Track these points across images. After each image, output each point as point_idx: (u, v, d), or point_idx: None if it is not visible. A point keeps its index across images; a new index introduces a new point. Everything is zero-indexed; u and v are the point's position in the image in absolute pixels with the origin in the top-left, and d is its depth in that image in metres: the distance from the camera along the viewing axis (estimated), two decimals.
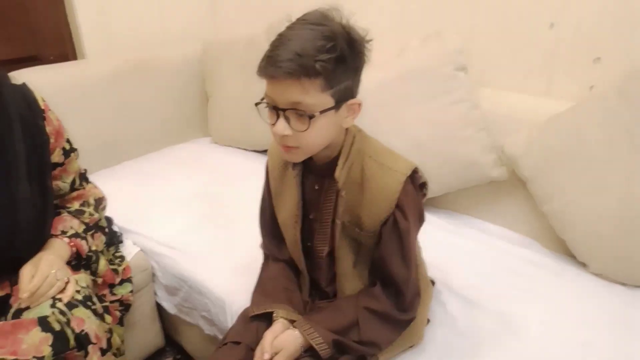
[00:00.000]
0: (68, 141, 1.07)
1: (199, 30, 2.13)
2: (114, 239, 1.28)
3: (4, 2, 1.67)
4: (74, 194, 1.12)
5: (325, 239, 0.89)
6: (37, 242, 1.00)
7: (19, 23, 1.72)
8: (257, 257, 1.05)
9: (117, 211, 1.39)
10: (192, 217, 1.44)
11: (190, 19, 2.12)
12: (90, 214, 1.12)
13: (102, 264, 1.13)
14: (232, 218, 1.41)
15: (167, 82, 1.93)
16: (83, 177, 1.14)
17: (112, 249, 1.26)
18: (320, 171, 0.86)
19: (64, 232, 1.04)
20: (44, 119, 0.99)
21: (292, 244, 0.93)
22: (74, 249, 1.03)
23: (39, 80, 1.46)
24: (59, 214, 1.08)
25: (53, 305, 0.89)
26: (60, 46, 1.85)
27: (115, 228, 1.35)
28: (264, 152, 1.82)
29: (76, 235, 1.05)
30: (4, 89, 0.94)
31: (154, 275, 1.35)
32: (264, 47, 1.84)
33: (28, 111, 0.97)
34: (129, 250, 1.30)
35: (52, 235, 1.02)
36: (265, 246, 1.03)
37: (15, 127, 0.93)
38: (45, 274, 0.91)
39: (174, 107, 1.97)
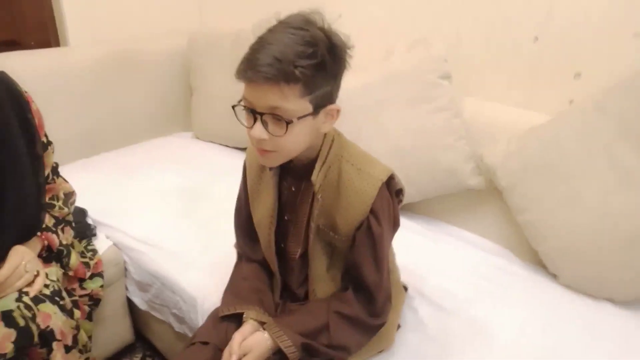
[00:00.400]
0: (45, 134, 1.05)
1: (184, 23, 2.10)
2: (87, 232, 1.26)
3: None
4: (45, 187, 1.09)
5: (299, 240, 0.89)
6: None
7: (3, 7, 1.68)
8: (231, 256, 1.04)
9: (92, 203, 1.37)
10: (168, 213, 1.42)
11: (176, 12, 2.10)
12: (60, 208, 1.10)
13: (74, 257, 1.11)
14: (210, 215, 1.40)
15: (151, 74, 1.91)
16: (55, 170, 1.12)
17: (84, 242, 1.24)
18: (297, 173, 0.86)
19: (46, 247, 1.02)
20: (30, 111, 0.98)
21: (266, 244, 0.93)
22: (45, 242, 1.02)
23: (17, 65, 1.44)
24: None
25: (19, 299, 0.87)
26: (42, 32, 1.82)
27: (89, 220, 1.33)
28: (246, 149, 1.82)
29: (47, 229, 1.03)
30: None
31: (126, 270, 1.34)
32: (250, 44, 1.83)
33: (17, 104, 0.96)
34: (101, 244, 1.29)
35: None
36: (239, 246, 1.02)
37: (12, 122, 0.93)
38: (15, 265, 0.89)
39: (156, 100, 1.95)
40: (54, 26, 1.83)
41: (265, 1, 1.90)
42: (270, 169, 0.88)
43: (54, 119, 1.22)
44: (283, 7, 1.71)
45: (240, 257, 1.02)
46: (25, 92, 1.00)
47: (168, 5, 2.07)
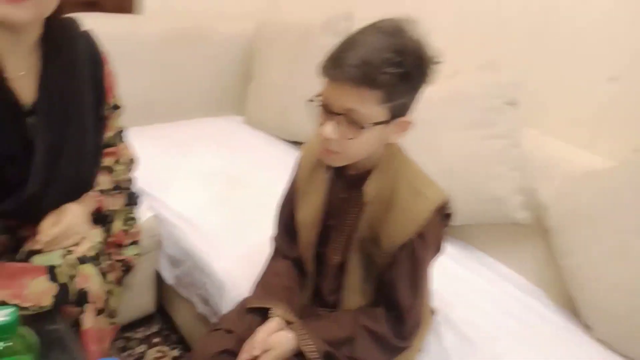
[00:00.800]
0: (115, 97, 1.07)
1: (254, 8, 2.11)
2: (131, 200, 1.29)
3: None
4: (109, 149, 1.11)
5: (339, 248, 0.88)
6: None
7: None
8: (265, 248, 1.04)
9: (138, 172, 1.40)
10: (210, 194, 1.44)
11: None
12: (120, 173, 1.12)
13: (118, 223, 1.13)
14: (250, 203, 1.41)
15: (214, 53, 1.94)
16: (119, 135, 1.14)
17: (126, 209, 1.26)
18: (350, 180, 0.85)
19: (99, 210, 1.04)
20: (102, 72, 1.00)
21: (305, 245, 0.93)
22: (98, 204, 1.04)
23: (92, 26, 1.48)
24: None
25: (64, 256, 0.90)
26: None
27: (133, 189, 1.36)
28: (295, 143, 1.84)
29: (103, 191, 1.05)
30: (79, 39, 0.95)
31: (160, 242, 1.36)
32: (317, 39, 1.83)
33: (93, 62, 0.98)
34: (142, 213, 1.31)
35: None
36: (276, 240, 1.03)
37: (85, 79, 0.95)
38: (68, 225, 0.91)
39: (213, 80, 1.98)
40: None
41: None
42: (326, 170, 0.87)
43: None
44: (355, 6, 1.72)
45: (276, 251, 1.02)
46: (104, 53, 1.02)
47: None
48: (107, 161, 1.10)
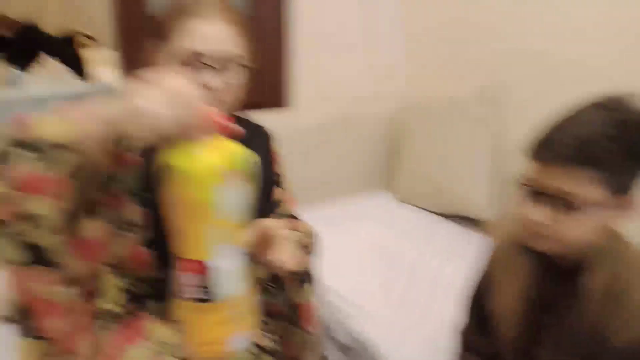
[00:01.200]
0: (281, 176, 1.10)
1: (395, 88, 2.17)
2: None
3: None
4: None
5: (551, 347, 0.76)
6: None
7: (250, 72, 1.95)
8: (444, 336, 0.96)
9: None
10: (373, 275, 1.41)
11: (389, 77, 2.18)
12: (304, 238, 1.09)
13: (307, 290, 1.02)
14: (417, 286, 1.35)
15: (360, 134, 2.01)
16: (291, 215, 1.10)
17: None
18: (562, 269, 0.75)
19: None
20: (270, 144, 1.07)
21: (507, 341, 0.82)
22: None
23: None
24: None
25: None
26: (274, 93, 2.05)
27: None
28: (451, 217, 1.77)
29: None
30: (251, 123, 1.04)
31: (326, 327, 1.34)
32: (469, 109, 1.76)
33: (261, 136, 1.06)
34: None
35: None
36: (466, 334, 0.93)
37: (257, 152, 1.00)
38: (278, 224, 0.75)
39: (361, 158, 2.03)
40: (284, 88, 2.06)
41: (486, 68, 1.86)
42: (530, 254, 0.78)
43: None
44: (504, 75, 1.67)
45: (465, 346, 0.93)
46: (270, 131, 1.09)
47: (381, 71, 2.16)
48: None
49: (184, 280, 0.53)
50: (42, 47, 5.77)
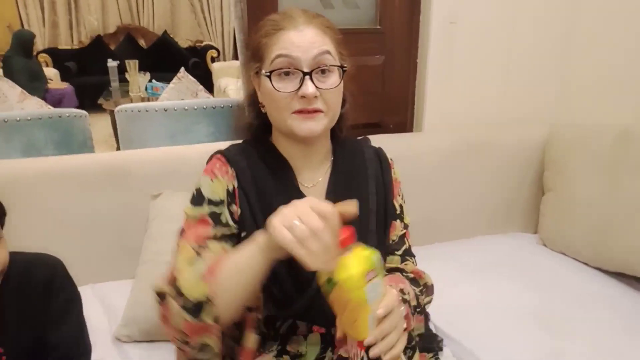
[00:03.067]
0: (401, 207, 1.02)
1: (543, 111, 1.89)
2: (433, 343, 1.13)
3: (369, 74, 1.80)
4: (408, 265, 1.00)
5: None
6: None
7: (375, 93, 1.83)
8: None
9: (433, 307, 1.25)
10: (527, 341, 1.17)
11: (533, 101, 1.91)
12: (420, 295, 0.98)
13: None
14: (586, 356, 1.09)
15: (499, 164, 1.76)
16: (408, 252, 1.02)
17: (429, 356, 1.10)
18: None
19: (402, 292, 0.88)
20: (390, 175, 1.01)
21: None
22: (406, 313, 0.85)
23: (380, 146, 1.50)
24: (393, 273, 0.98)
25: None
26: (401, 115, 1.90)
27: (431, 326, 1.20)
28: (615, 274, 1.45)
29: (408, 304, 0.88)
30: (366, 149, 1.01)
31: None
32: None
33: (380, 169, 1.00)
34: None
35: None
36: None
37: (370, 183, 0.97)
38: (392, 305, 0.72)
39: (499, 193, 1.77)
40: (412, 109, 1.90)
41: None
42: None
43: None
44: None
45: None
46: (391, 159, 1.04)
47: (526, 94, 1.90)
48: (409, 274, 0.99)
49: (353, 353, 0.70)
50: (174, 58, 6.28)
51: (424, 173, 1.69)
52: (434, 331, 1.19)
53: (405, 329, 0.76)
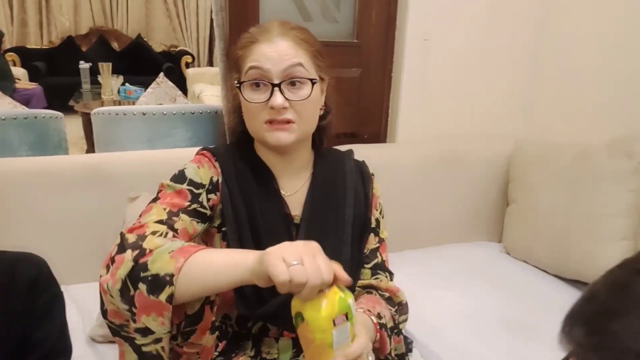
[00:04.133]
0: (377, 221, 1.04)
1: (510, 129, 2.00)
2: (405, 346, 1.18)
3: (347, 86, 1.86)
4: (381, 282, 1.01)
5: None
6: None
7: (351, 104, 1.89)
8: None
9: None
10: (492, 345, 1.23)
11: (500, 117, 2.02)
12: (394, 315, 1.03)
13: None
14: None
15: (468, 177, 1.84)
16: (380, 267, 1.03)
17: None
18: None
19: (378, 316, 0.91)
20: (370, 187, 1.04)
21: None
22: (378, 340, 0.89)
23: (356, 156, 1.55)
24: (369, 292, 1.00)
25: None
26: (375, 126, 1.97)
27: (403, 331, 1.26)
28: (573, 282, 1.54)
29: (383, 326, 0.91)
30: (347, 161, 1.04)
31: None
32: (602, 162, 1.57)
33: (360, 182, 1.02)
34: None
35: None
36: None
37: (349, 194, 0.99)
38: (364, 347, 0.70)
39: (466, 203, 1.86)
40: (386, 121, 1.96)
41: (618, 117, 1.66)
42: None
43: None
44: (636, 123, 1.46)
45: None
46: (372, 174, 1.07)
47: (493, 109, 2.00)
48: (384, 292, 1.01)
49: None
50: (148, 62, 6.21)
51: (396, 183, 1.75)
52: (404, 334, 1.25)
53: None
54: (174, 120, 2.02)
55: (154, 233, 0.76)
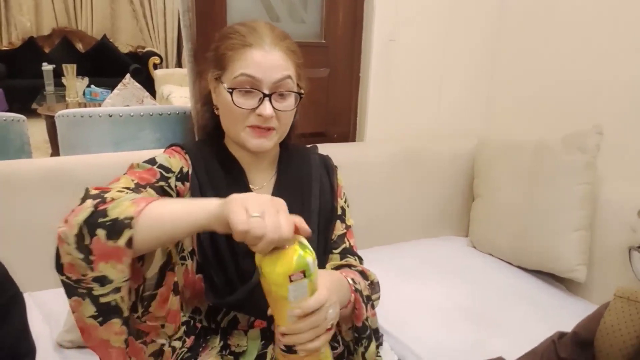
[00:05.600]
0: (342, 209, 1.07)
1: (472, 127, 2.06)
2: (376, 337, 1.20)
3: (315, 86, 1.88)
4: (351, 260, 1.03)
5: None
6: None
7: (320, 104, 1.91)
8: None
9: None
10: (458, 335, 1.28)
11: (463, 116, 2.08)
12: (369, 286, 1.03)
13: (372, 351, 0.95)
14: (509, 350, 1.20)
15: (434, 174, 1.89)
16: (349, 251, 1.05)
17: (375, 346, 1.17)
18: None
19: (353, 281, 0.91)
20: (333, 178, 1.07)
21: None
22: (353, 305, 0.88)
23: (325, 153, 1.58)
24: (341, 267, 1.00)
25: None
26: (344, 125, 2.00)
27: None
28: (534, 272, 1.61)
29: (360, 293, 0.91)
30: (312, 155, 1.08)
31: None
32: (558, 156, 1.63)
33: (325, 174, 1.06)
34: (386, 356, 1.21)
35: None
36: None
37: (314, 185, 1.02)
38: (322, 300, 0.70)
39: (433, 200, 1.91)
40: (355, 121, 2.00)
41: (567, 112, 1.74)
42: None
43: None
44: (597, 120, 1.54)
45: None
46: (336, 166, 1.10)
47: (456, 108, 2.06)
48: (357, 268, 1.01)
49: (276, 335, 0.74)
50: (114, 63, 6.08)
51: (365, 180, 1.79)
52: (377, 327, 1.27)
53: (329, 329, 0.74)
54: (141, 122, 2.00)
55: (119, 192, 0.74)
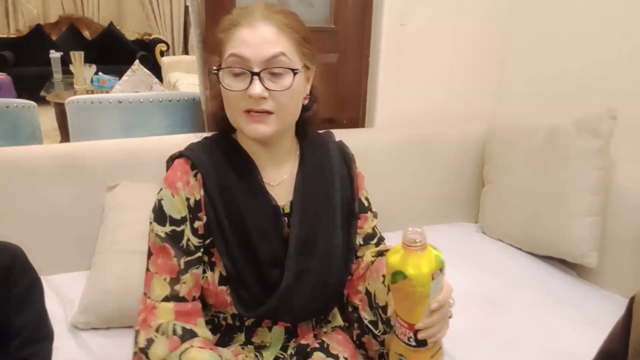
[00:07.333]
0: (367, 200, 1.04)
1: (483, 110, 2.04)
2: None
3: (324, 71, 1.86)
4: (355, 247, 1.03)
5: None
6: (340, 291, 0.99)
7: (330, 89, 1.89)
8: None
9: None
10: (468, 319, 1.27)
11: (474, 100, 2.06)
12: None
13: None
14: (519, 334, 1.21)
15: (444, 159, 1.88)
16: (382, 239, 1.06)
17: None
18: None
19: None
20: (352, 170, 1.02)
21: None
22: None
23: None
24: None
25: None
26: (354, 111, 1.99)
27: None
28: (545, 258, 1.61)
29: None
30: (330, 145, 1.02)
31: None
32: (571, 140, 1.62)
33: (344, 163, 1.01)
34: None
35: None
36: None
37: (335, 179, 0.98)
38: (450, 292, 0.80)
39: (444, 186, 1.90)
40: (364, 106, 1.98)
41: (577, 96, 1.72)
42: None
43: None
44: (611, 104, 1.52)
45: None
46: (352, 154, 1.05)
47: (467, 93, 2.04)
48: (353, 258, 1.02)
49: (401, 331, 0.79)
50: (120, 51, 6.08)
51: (375, 166, 1.77)
52: None
53: (450, 317, 0.83)
54: (150, 109, 2.00)
55: (158, 330, 0.83)
